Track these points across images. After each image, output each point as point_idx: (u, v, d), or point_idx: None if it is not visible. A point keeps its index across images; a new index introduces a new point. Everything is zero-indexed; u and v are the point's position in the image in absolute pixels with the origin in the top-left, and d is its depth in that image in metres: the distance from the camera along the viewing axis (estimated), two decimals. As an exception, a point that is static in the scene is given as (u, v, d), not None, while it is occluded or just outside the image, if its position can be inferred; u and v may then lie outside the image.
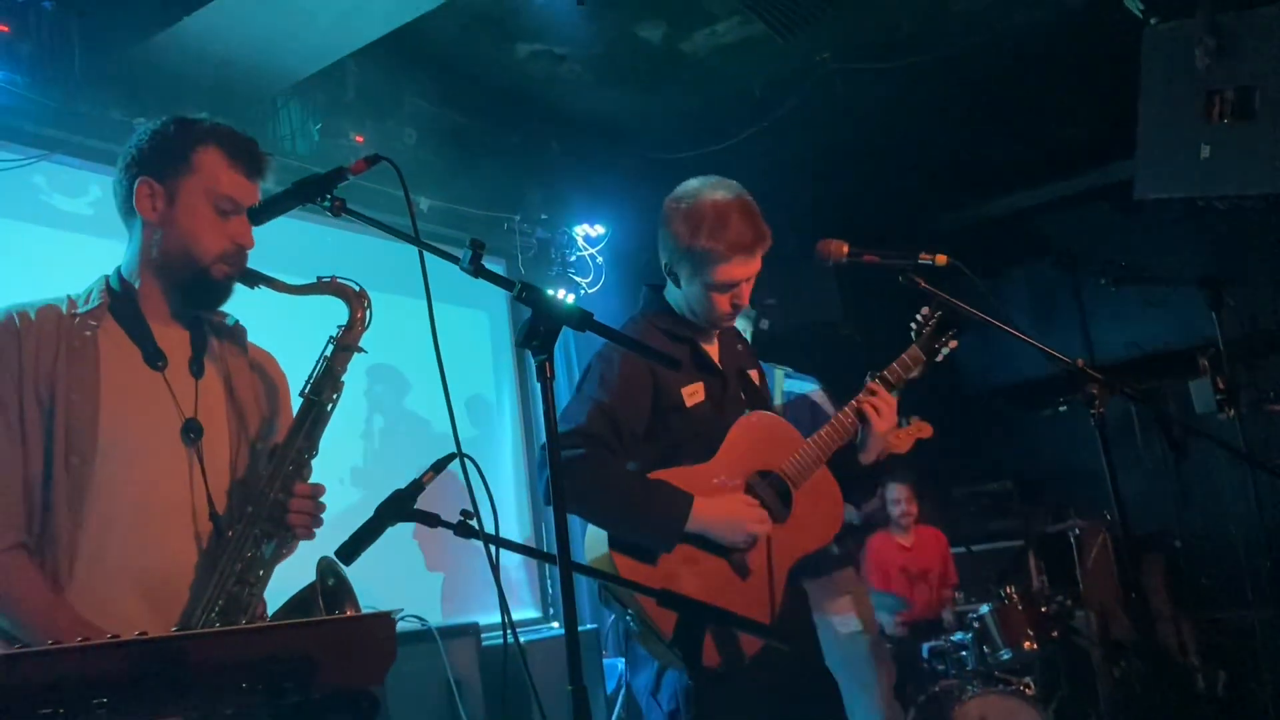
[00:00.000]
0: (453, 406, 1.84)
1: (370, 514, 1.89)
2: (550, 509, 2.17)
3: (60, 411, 1.90)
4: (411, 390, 5.61)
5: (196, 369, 2.07)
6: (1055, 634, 5.09)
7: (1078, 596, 5.50)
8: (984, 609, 5.03)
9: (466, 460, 1.83)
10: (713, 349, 2.77)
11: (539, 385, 1.75)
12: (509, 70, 5.79)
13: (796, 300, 6.29)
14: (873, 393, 2.70)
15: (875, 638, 4.21)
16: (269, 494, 2.01)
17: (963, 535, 6.20)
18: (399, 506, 1.89)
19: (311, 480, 2.09)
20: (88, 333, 1.98)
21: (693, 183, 2.70)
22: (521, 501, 6.40)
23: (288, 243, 5.27)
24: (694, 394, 2.63)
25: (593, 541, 2.53)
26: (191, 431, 2.01)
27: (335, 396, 2.11)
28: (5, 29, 4.10)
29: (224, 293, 2.11)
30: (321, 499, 2.07)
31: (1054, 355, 2.47)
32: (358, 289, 2.14)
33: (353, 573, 1.89)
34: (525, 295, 1.77)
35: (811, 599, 3.56)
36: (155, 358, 2.02)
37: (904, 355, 2.77)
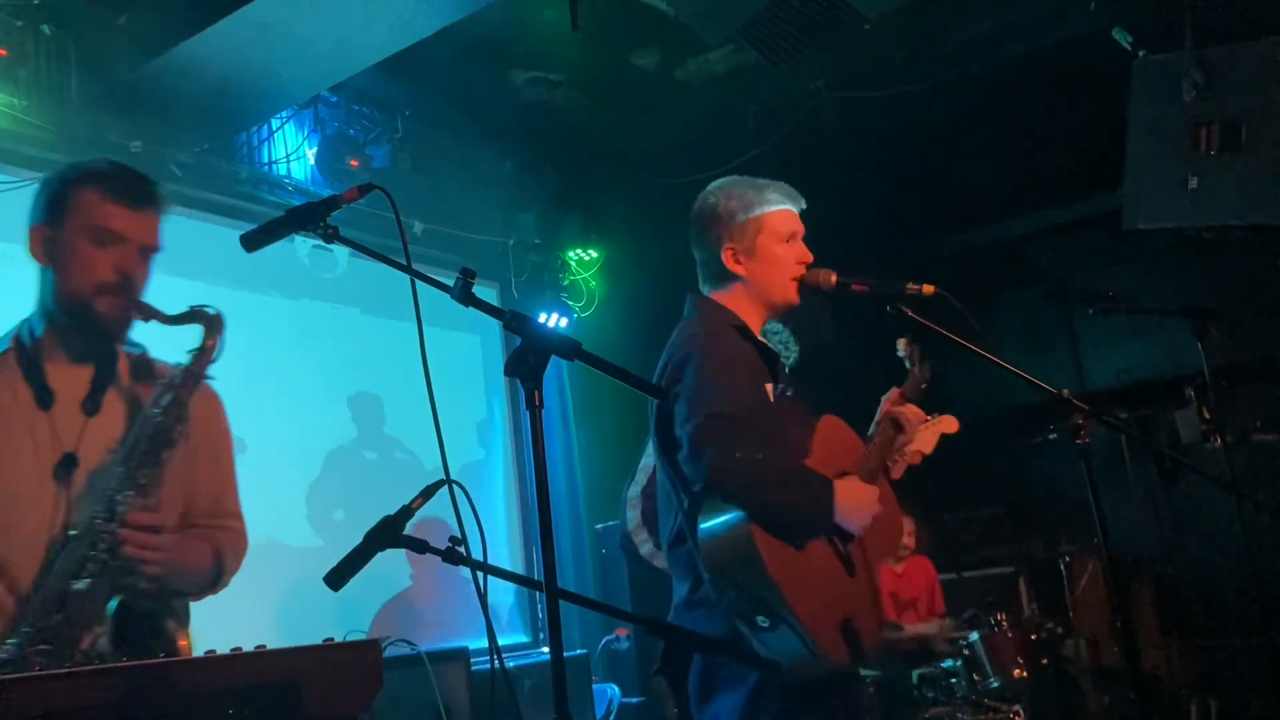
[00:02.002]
0: (442, 432, 1.85)
1: (359, 539, 1.90)
2: (550, 528, 2.16)
3: None
4: (403, 415, 5.62)
5: (90, 406, 2.11)
6: (1045, 661, 5.08)
7: (1068, 624, 5.50)
8: (974, 636, 5.02)
9: (455, 487, 1.84)
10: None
11: (528, 413, 1.76)
12: (505, 96, 5.84)
13: (788, 325, 6.29)
14: (895, 401, 2.71)
15: None
16: (96, 521, 1.94)
17: (955, 561, 6.19)
18: (388, 532, 1.89)
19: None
20: None
21: (709, 186, 2.73)
22: (512, 527, 6.39)
23: (294, 264, 5.32)
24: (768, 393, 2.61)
25: (730, 513, 2.30)
26: (67, 467, 2.04)
27: (181, 428, 2.10)
28: (4, 53, 4.14)
29: (115, 324, 2.13)
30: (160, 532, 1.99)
31: (1039, 385, 2.49)
32: (213, 313, 2.14)
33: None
34: (515, 324, 1.78)
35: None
36: (45, 398, 2.08)
37: (909, 383, 2.80)
